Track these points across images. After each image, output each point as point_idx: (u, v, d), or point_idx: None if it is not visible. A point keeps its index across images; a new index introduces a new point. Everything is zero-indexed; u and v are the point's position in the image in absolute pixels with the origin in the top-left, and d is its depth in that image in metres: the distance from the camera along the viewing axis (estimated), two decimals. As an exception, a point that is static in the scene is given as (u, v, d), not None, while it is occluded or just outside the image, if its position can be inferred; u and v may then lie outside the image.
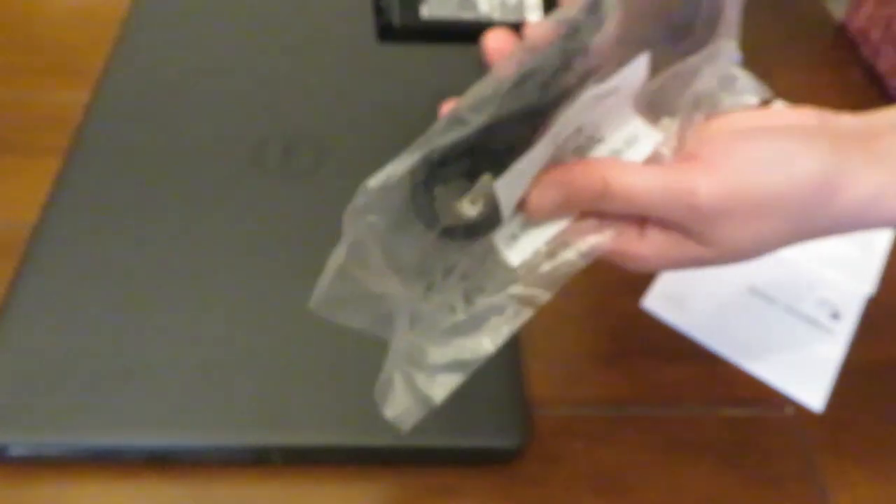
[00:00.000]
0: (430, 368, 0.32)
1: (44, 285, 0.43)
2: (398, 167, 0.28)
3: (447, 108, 0.33)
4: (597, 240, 0.33)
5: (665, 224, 0.32)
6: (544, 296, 0.32)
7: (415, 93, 0.56)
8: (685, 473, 0.41)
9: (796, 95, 0.59)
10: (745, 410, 0.43)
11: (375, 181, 0.28)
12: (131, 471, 0.39)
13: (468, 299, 0.32)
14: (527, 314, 0.32)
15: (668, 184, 0.31)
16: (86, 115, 0.52)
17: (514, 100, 0.29)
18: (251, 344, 0.42)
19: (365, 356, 0.41)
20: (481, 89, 0.29)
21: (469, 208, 0.31)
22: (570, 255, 0.33)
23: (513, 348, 0.43)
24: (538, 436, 0.41)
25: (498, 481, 0.40)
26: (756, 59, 0.36)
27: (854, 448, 0.42)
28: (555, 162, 0.32)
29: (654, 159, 0.33)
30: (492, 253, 0.33)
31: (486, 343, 0.32)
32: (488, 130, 0.29)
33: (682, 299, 0.47)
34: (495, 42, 0.35)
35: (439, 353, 0.32)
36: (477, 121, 0.29)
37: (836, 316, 0.48)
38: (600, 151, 0.33)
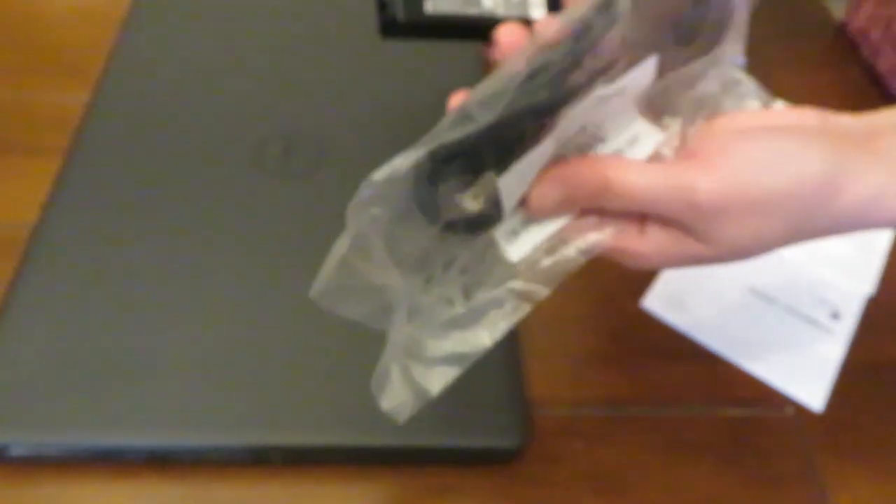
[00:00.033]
0: (428, 361, 0.32)
1: (44, 285, 0.43)
2: (404, 161, 0.29)
3: (456, 100, 0.33)
4: (597, 237, 0.33)
5: (665, 222, 0.32)
6: (543, 291, 0.33)
7: (415, 92, 0.56)
8: (685, 473, 0.41)
9: (796, 95, 0.59)
10: (745, 410, 0.43)
11: (380, 174, 0.28)
12: (131, 471, 0.39)
13: (467, 293, 0.33)
14: (525, 309, 0.33)
15: (668, 181, 0.31)
16: (86, 115, 0.52)
17: (523, 96, 0.29)
18: (251, 344, 0.42)
19: (365, 356, 0.41)
20: (490, 85, 0.29)
21: (471, 203, 0.31)
22: (570, 252, 0.33)
23: (513, 348, 0.43)
24: (538, 436, 0.41)
25: (498, 481, 0.40)
26: (756, 59, 0.36)
27: (854, 448, 0.42)
28: (557, 159, 0.32)
29: (655, 159, 0.33)
30: (492, 248, 0.33)
31: (484, 337, 0.32)
32: (495, 126, 0.29)
33: (682, 299, 0.47)
34: (508, 36, 0.36)
35: (437, 346, 0.32)
36: (484, 117, 0.29)
37: (836, 316, 0.48)
38: (602, 150, 0.33)
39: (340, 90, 0.56)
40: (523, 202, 0.33)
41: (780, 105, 0.61)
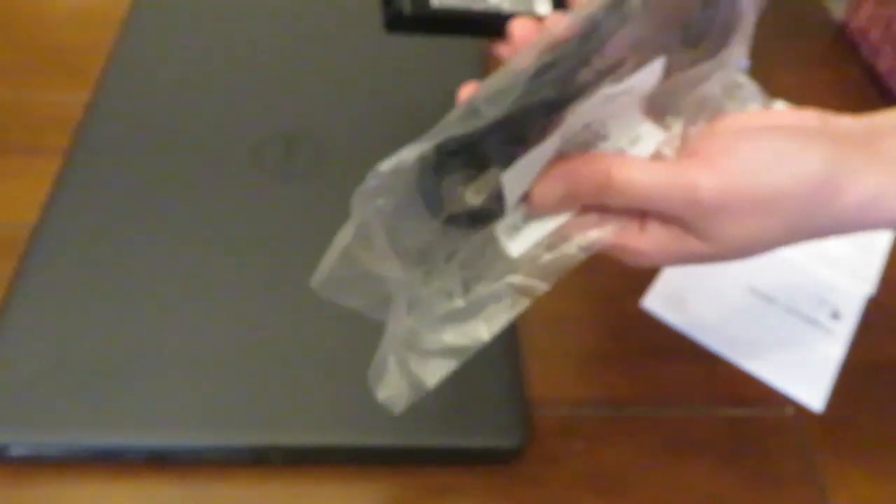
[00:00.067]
0: (425, 353, 0.32)
1: (44, 285, 0.43)
2: (410, 153, 0.29)
3: (465, 93, 0.34)
4: (597, 234, 0.33)
5: (665, 219, 0.32)
6: (542, 286, 0.33)
7: (415, 92, 0.56)
8: (685, 473, 0.41)
9: (796, 95, 0.59)
10: (745, 410, 0.43)
11: (387, 164, 0.28)
12: (131, 471, 0.39)
13: (466, 287, 0.33)
14: (524, 304, 0.33)
15: (669, 178, 0.31)
16: (86, 115, 0.52)
17: (531, 93, 0.29)
18: (251, 344, 0.42)
19: (365, 356, 0.41)
20: (499, 80, 0.29)
21: (474, 197, 0.31)
22: (570, 249, 0.33)
23: (513, 348, 0.43)
24: (538, 436, 0.41)
25: (498, 481, 0.40)
26: (756, 59, 0.36)
27: (854, 448, 0.42)
28: (560, 156, 0.32)
29: (656, 158, 0.34)
30: (492, 243, 0.33)
31: (483, 331, 0.32)
32: (502, 122, 0.29)
33: (682, 299, 0.47)
34: (521, 30, 0.36)
35: (435, 339, 0.32)
36: (492, 112, 0.29)
37: (836, 316, 0.48)
38: (604, 148, 0.33)
39: (340, 90, 0.56)
40: (525, 198, 0.33)
41: (780, 105, 0.61)
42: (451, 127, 0.29)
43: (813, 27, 0.71)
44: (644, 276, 0.48)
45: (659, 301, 0.47)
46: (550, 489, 0.40)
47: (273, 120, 0.53)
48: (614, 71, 0.31)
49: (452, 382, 0.41)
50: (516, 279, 0.33)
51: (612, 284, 0.48)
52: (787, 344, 0.46)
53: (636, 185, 0.31)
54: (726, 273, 0.49)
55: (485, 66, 0.57)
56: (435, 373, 0.32)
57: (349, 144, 0.52)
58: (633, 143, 0.34)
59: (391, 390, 0.33)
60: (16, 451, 0.38)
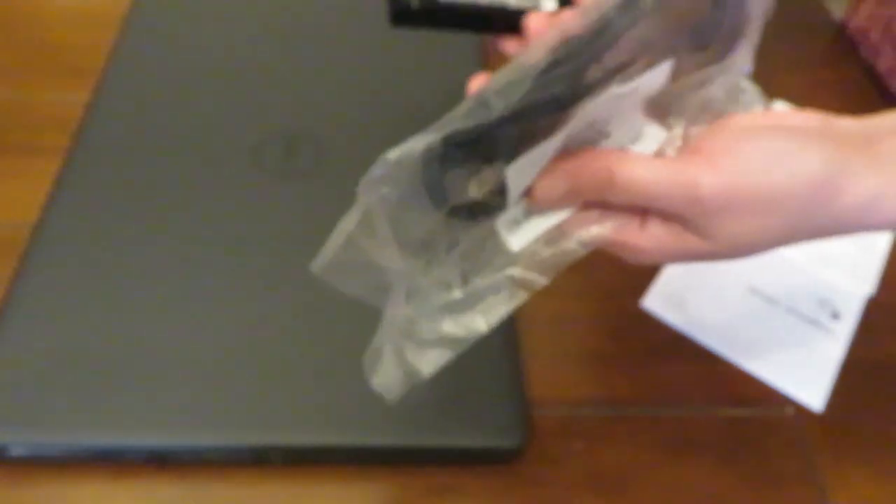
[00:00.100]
0: (422, 343, 0.32)
1: (44, 285, 0.43)
2: (417, 143, 0.29)
3: (475, 84, 0.34)
4: (598, 230, 0.33)
5: (666, 217, 0.33)
6: (541, 280, 0.33)
7: (416, 92, 0.56)
8: (685, 473, 0.41)
9: (796, 95, 0.59)
10: (745, 410, 0.43)
11: (394, 154, 0.29)
12: (131, 471, 0.39)
13: (466, 278, 0.33)
14: (522, 297, 0.33)
15: (672, 176, 0.31)
16: (86, 115, 0.52)
17: (540, 88, 0.29)
18: (251, 344, 0.42)
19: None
20: (509, 73, 0.29)
21: (476, 190, 0.31)
22: (570, 244, 0.33)
23: (513, 348, 0.43)
24: (538, 436, 0.41)
25: (498, 481, 0.40)
26: (756, 59, 0.36)
27: (854, 448, 0.42)
28: (563, 152, 0.32)
29: (658, 157, 0.34)
30: (493, 236, 0.33)
31: (480, 322, 0.32)
32: (510, 116, 0.29)
33: (682, 299, 0.47)
34: (537, 23, 0.36)
35: (432, 329, 0.32)
36: (501, 105, 0.29)
37: (836, 316, 0.48)
38: (606, 146, 0.34)
39: (341, 90, 0.56)
40: (527, 193, 0.33)
41: (780, 106, 0.61)
42: (458, 119, 0.29)
43: (813, 27, 0.71)
44: (644, 276, 0.48)
45: (659, 301, 0.47)
46: (550, 489, 0.40)
47: (273, 120, 0.53)
48: (623, 70, 0.31)
49: (452, 382, 0.41)
50: (515, 272, 0.33)
51: (611, 284, 0.48)
52: (787, 344, 0.46)
53: (638, 182, 0.31)
54: (726, 273, 0.49)
55: (486, 66, 0.57)
56: (431, 363, 0.32)
57: (349, 144, 0.52)
58: (635, 142, 0.34)
59: (386, 378, 0.33)
60: (16, 451, 0.38)
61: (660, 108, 0.34)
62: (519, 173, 0.31)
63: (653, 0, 0.30)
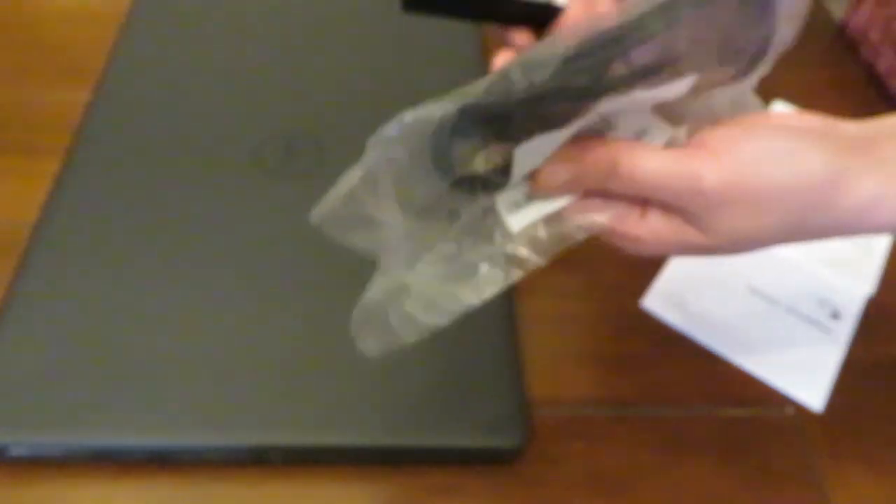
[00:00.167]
0: (411, 309, 0.32)
1: (44, 285, 0.43)
2: (436, 109, 0.29)
3: (499, 61, 0.35)
4: (597, 218, 0.33)
5: (667, 208, 0.33)
6: (537, 260, 0.33)
7: (417, 92, 0.55)
8: (685, 473, 0.41)
9: (796, 95, 0.59)
10: (745, 410, 0.43)
11: (410, 116, 0.29)
12: (131, 471, 0.39)
13: (462, 251, 0.33)
14: (517, 275, 0.33)
15: (675, 167, 0.31)
16: (86, 115, 0.52)
17: (564, 75, 0.29)
18: (251, 344, 0.42)
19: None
20: (536, 55, 0.29)
21: (481, 164, 0.31)
22: (569, 228, 0.33)
23: (513, 348, 0.43)
24: (538, 436, 0.41)
25: (498, 481, 0.40)
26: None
27: (854, 448, 0.42)
28: (569, 140, 0.32)
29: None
30: (493, 212, 0.33)
31: (472, 296, 0.33)
32: (529, 99, 0.29)
33: (682, 299, 0.48)
34: (576, 10, 0.36)
35: (422, 297, 0.32)
36: (524, 85, 0.29)
37: (836, 316, 0.48)
38: (611, 137, 0.34)
39: (341, 90, 0.56)
40: (531, 176, 0.33)
41: (780, 106, 0.61)
42: (479, 92, 0.29)
43: (813, 27, 0.71)
44: (644, 276, 0.48)
45: (659, 301, 0.47)
46: (550, 489, 0.40)
47: (273, 120, 0.53)
48: (648, 76, 0.31)
49: (452, 382, 0.41)
50: (513, 249, 0.33)
51: (611, 284, 0.48)
52: (787, 344, 0.46)
53: (642, 172, 0.32)
54: (726, 273, 0.49)
55: (486, 67, 0.57)
56: (416, 331, 0.32)
57: (349, 144, 0.51)
58: (640, 137, 0.34)
59: (370, 340, 0.33)
60: (16, 451, 0.38)
61: (664, 110, 0.34)
62: (526, 155, 0.31)
63: (690, 9, 0.31)
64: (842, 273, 0.50)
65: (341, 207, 0.30)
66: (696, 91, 0.34)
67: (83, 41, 0.61)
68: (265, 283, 0.44)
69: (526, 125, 0.30)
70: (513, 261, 0.33)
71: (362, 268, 0.33)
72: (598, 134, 0.33)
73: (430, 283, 0.33)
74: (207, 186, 0.49)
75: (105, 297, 0.43)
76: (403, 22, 0.62)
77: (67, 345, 0.41)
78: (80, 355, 0.40)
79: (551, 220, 0.34)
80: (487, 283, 0.33)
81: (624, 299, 0.48)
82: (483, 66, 0.57)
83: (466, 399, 0.40)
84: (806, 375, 0.45)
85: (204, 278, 0.44)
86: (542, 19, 0.38)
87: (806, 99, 0.54)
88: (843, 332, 0.47)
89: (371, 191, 0.30)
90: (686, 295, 0.48)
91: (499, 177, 0.32)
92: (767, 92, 0.36)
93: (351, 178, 0.30)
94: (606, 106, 0.31)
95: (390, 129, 0.29)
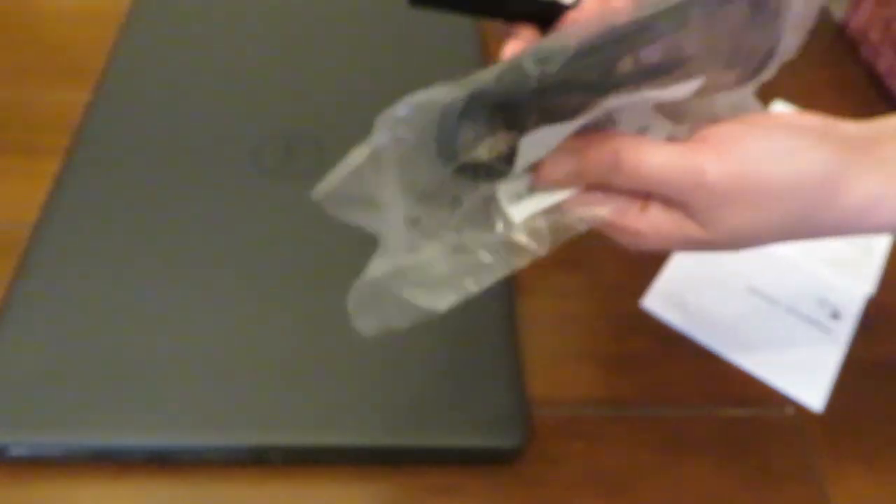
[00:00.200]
0: (408, 294, 0.32)
1: (44, 285, 0.43)
2: (446, 93, 0.29)
3: (509, 50, 0.35)
4: (598, 211, 0.33)
5: (669, 203, 0.33)
6: (536, 248, 0.33)
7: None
8: (685, 473, 0.41)
9: (796, 95, 0.59)
10: (745, 410, 0.43)
11: (420, 97, 0.29)
12: (131, 471, 0.39)
13: (462, 237, 0.33)
14: (515, 264, 0.33)
15: (677, 162, 0.32)
16: (86, 115, 0.52)
17: (576, 69, 0.29)
18: (251, 344, 0.42)
19: (365, 357, 0.42)
20: (550, 45, 0.29)
21: (485, 152, 0.31)
22: (570, 221, 0.33)
23: (513, 348, 0.43)
24: (538, 436, 0.41)
25: (498, 481, 0.40)
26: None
27: (854, 448, 0.42)
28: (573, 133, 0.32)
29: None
30: (494, 201, 0.33)
31: (470, 283, 0.32)
32: (541, 90, 0.29)
33: (682, 299, 0.47)
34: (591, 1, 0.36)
35: (421, 282, 0.32)
36: (536, 74, 0.29)
37: (836, 316, 0.48)
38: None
39: (341, 90, 0.56)
40: (533, 168, 0.33)
41: (780, 106, 0.61)
42: (489, 79, 0.29)
43: (813, 27, 0.71)
44: (644, 276, 0.48)
45: (659, 301, 0.47)
46: (551, 489, 0.40)
47: (273, 120, 0.53)
48: (657, 75, 0.31)
49: (452, 382, 0.41)
50: (512, 236, 0.33)
51: (612, 284, 0.48)
52: (787, 344, 0.46)
53: (644, 167, 0.32)
54: (726, 273, 0.49)
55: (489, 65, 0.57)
56: (410, 316, 0.32)
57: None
58: (641, 133, 0.34)
59: (364, 318, 0.32)
60: (16, 451, 0.38)
61: (666, 108, 0.34)
62: (531, 145, 0.31)
63: (701, 12, 0.31)
64: (842, 273, 0.50)
65: (345, 185, 0.30)
66: (700, 93, 0.34)
67: (83, 41, 0.61)
68: (265, 283, 0.44)
69: (534, 116, 0.30)
70: (513, 250, 0.33)
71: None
72: (599, 127, 0.34)
73: (430, 268, 0.33)
74: (207, 186, 0.49)
75: (105, 297, 0.43)
76: (403, 22, 0.62)
77: (67, 345, 0.41)
78: (80, 355, 0.40)
79: (552, 211, 0.34)
80: (487, 271, 0.33)
81: (624, 299, 0.48)
82: (483, 67, 0.57)
83: (466, 399, 0.40)
84: (806, 375, 0.45)
85: (204, 278, 0.44)
86: (547, 17, 0.38)
87: (806, 99, 0.54)
88: (843, 332, 0.47)
89: (375, 170, 0.30)
90: (686, 295, 0.48)
91: (502, 165, 0.32)
92: (767, 92, 0.36)
93: (356, 157, 0.30)
94: (614, 102, 0.31)
95: (399, 110, 0.29)
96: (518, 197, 0.34)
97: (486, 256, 0.33)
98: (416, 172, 0.31)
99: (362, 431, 0.39)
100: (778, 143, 0.32)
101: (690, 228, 0.33)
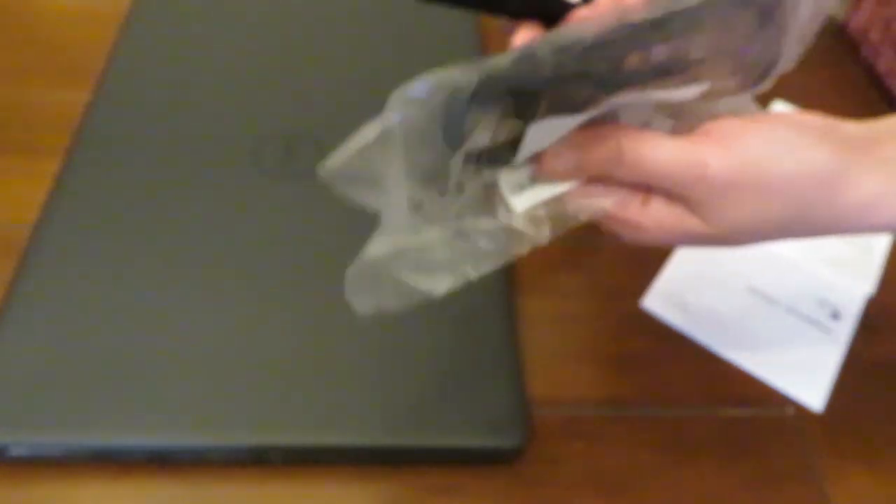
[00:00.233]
0: (406, 275, 0.32)
1: (44, 285, 0.43)
2: (461, 75, 0.29)
3: (520, 39, 0.35)
4: (599, 204, 0.33)
5: (670, 196, 0.33)
6: (537, 236, 0.33)
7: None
8: (685, 473, 0.41)
9: (796, 95, 0.59)
10: (745, 410, 0.43)
11: (438, 77, 0.29)
12: (131, 471, 0.39)
13: (463, 224, 0.33)
14: (515, 252, 0.33)
15: (680, 155, 0.32)
16: (86, 115, 0.52)
17: (589, 61, 0.30)
18: (251, 344, 0.42)
19: (365, 357, 0.42)
20: (565, 35, 0.29)
21: (490, 137, 0.31)
22: (572, 212, 0.34)
23: (513, 348, 0.43)
24: (538, 436, 0.41)
25: (498, 481, 0.40)
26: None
27: (854, 448, 0.42)
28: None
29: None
30: (496, 188, 0.34)
31: (469, 268, 0.32)
32: (554, 79, 0.29)
33: (682, 299, 0.47)
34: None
35: (420, 265, 0.32)
36: (551, 62, 0.29)
37: (836, 316, 0.48)
38: None
39: (341, 90, 0.56)
40: (536, 159, 0.33)
41: (780, 106, 0.61)
42: (506, 64, 0.29)
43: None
44: (644, 276, 0.48)
45: (659, 301, 0.47)
46: (551, 489, 0.40)
47: (272, 120, 0.53)
48: (664, 75, 0.31)
49: (452, 382, 0.41)
50: (513, 224, 0.33)
51: (611, 284, 0.48)
52: (787, 344, 0.46)
53: (646, 160, 0.32)
54: (727, 273, 0.49)
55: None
56: (406, 297, 0.32)
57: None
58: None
59: (363, 297, 0.32)
60: (16, 451, 0.38)
61: (666, 108, 0.35)
62: (538, 134, 0.31)
63: (713, 17, 0.31)
64: (842, 273, 0.50)
65: (352, 163, 0.30)
66: (703, 96, 0.34)
67: (83, 41, 0.61)
68: (265, 283, 0.44)
69: (544, 105, 0.30)
70: (513, 237, 0.33)
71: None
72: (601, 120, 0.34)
73: (429, 252, 0.32)
74: (207, 186, 0.49)
75: (105, 297, 0.43)
76: (403, 22, 0.62)
77: (67, 345, 0.41)
78: (81, 355, 0.40)
79: (554, 202, 0.34)
80: (486, 257, 0.33)
81: (624, 299, 0.48)
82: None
83: (466, 399, 0.40)
84: (806, 375, 0.45)
85: (203, 278, 0.44)
86: (552, 14, 0.38)
87: (806, 99, 0.54)
88: (843, 332, 0.47)
89: (383, 150, 0.30)
90: (686, 295, 0.48)
91: (506, 153, 0.32)
92: (767, 92, 0.36)
93: (366, 134, 0.29)
94: (620, 99, 0.31)
95: (415, 89, 0.29)
96: (520, 187, 0.34)
97: (486, 243, 0.33)
98: (422, 155, 0.31)
99: (362, 431, 0.39)
100: (780, 139, 0.32)
101: (691, 222, 0.33)
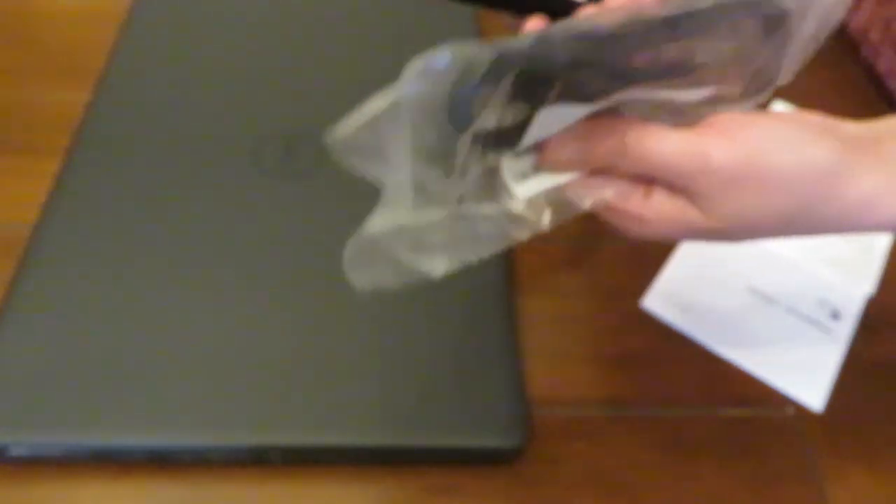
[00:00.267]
0: (406, 254, 0.32)
1: (44, 285, 0.43)
2: (481, 51, 0.28)
3: (531, 25, 0.35)
4: (601, 194, 0.33)
5: (673, 189, 0.33)
6: (539, 223, 0.33)
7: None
8: (685, 473, 0.41)
9: (796, 95, 0.59)
10: (745, 410, 0.43)
11: (450, 52, 0.28)
12: (131, 471, 0.39)
13: (465, 207, 0.33)
14: (515, 238, 0.33)
15: (683, 146, 0.32)
16: (86, 115, 0.52)
17: (605, 52, 0.30)
18: (251, 344, 0.42)
19: (365, 357, 0.42)
20: (576, 25, 0.30)
21: (497, 117, 0.31)
22: (574, 201, 0.34)
23: (513, 348, 0.43)
24: (538, 436, 0.41)
25: (498, 481, 0.40)
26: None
27: (854, 448, 0.42)
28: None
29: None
30: (499, 175, 0.33)
31: (468, 252, 0.32)
32: (568, 67, 0.29)
33: (682, 299, 0.47)
34: None
35: (420, 245, 0.32)
36: (567, 48, 0.29)
37: (836, 316, 0.48)
38: None
39: (341, 90, 0.56)
40: (540, 147, 0.33)
41: (780, 106, 0.61)
42: (522, 46, 0.29)
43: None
44: (644, 276, 0.48)
45: (659, 301, 0.47)
46: (551, 489, 0.40)
47: (272, 120, 0.53)
48: (673, 75, 0.32)
49: (452, 382, 0.41)
50: (515, 208, 0.33)
51: (612, 284, 0.48)
52: (787, 344, 0.46)
53: (650, 151, 0.32)
54: (727, 273, 0.49)
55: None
56: (403, 276, 0.32)
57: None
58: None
59: (362, 273, 0.32)
60: (16, 451, 0.38)
61: (668, 107, 0.35)
62: (546, 120, 0.31)
63: (726, 21, 0.31)
64: (842, 273, 0.50)
65: (359, 134, 0.30)
66: (705, 101, 0.34)
67: (83, 41, 0.61)
68: (265, 283, 0.44)
69: (555, 91, 0.30)
70: (514, 223, 0.33)
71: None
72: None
73: (430, 234, 0.32)
74: (207, 186, 0.49)
75: (105, 297, 0.43)
76: (403, 21, 0.62)
77: (67, 345, 0.41)
78: (81, 355, 0.40)
79: (556, 192, 0.34)
80: (487, 241, 0.33)
81: (624, 299, 0.48)
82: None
83: (466, 399, 0.40)
84: (806, 375, 0.45)
85: (203, 278, 0.44)
86: (559, 12, 0.38)
87: (806, 99, 0.54)
88: (843, 332, 0.47)
89: (392, 123, 0.29)
90: (686, 295, 0.48)
91: (511, 137, 0.31)
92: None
93: (375, 107, 0.29)
94: (628, 94, 0.31)
95: (432, 60, 0.28)
96: (523, 176, 0.34)
97: (486, 227, 0.33)
98: (431, 133, 0.30)
99: (362, 431, 0.39)
100: (783, 134, 0.32)
101: (693, 215, 0.33)
